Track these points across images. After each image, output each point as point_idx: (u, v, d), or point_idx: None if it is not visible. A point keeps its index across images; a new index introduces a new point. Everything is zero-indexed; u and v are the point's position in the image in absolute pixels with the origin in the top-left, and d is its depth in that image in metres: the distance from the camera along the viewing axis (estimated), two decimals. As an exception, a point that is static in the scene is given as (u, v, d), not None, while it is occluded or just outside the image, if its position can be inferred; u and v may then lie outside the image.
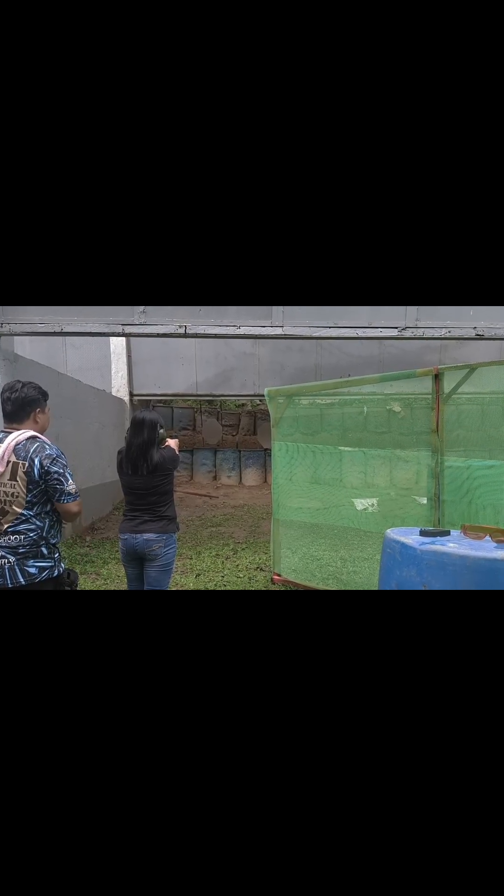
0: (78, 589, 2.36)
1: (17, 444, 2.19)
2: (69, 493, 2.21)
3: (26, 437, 2.22)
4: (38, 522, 2.21)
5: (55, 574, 2.25)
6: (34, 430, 2.27)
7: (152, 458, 2.91)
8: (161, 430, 2.99)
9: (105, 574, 4.94)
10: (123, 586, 4.24)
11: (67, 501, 2.22)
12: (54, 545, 2.28)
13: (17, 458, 2.18)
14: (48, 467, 2.18)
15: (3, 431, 2.27)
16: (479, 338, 4.50)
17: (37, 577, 2.19)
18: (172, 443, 3.14)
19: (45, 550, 2.22)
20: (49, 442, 2.27)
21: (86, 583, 4.64)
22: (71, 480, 2.24)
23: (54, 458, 2.20)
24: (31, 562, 2.19)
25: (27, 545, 2.19)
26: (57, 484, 2.19)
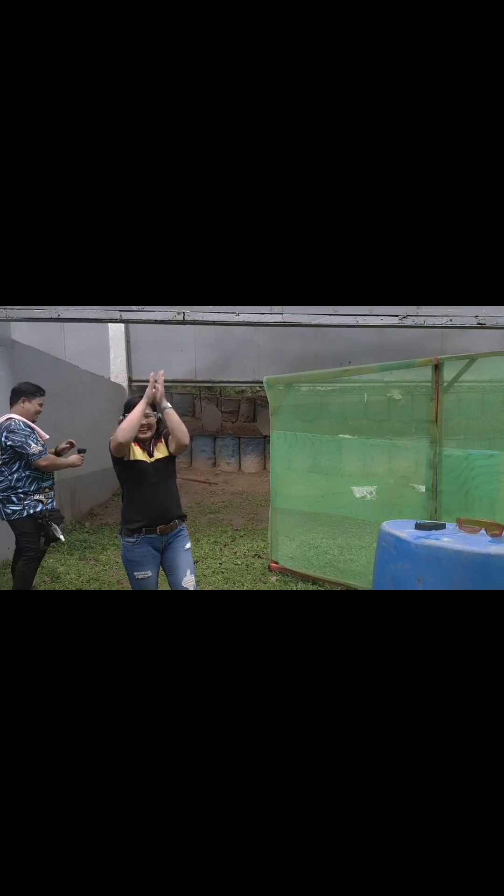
0: (62, 528, 3.24)
1: None
2: (33, 454, 3.13)
3: (4, 417, 3.21)
4: (3, 480, 3.18)
5: (30, 512, 3.17)
6: (19, 414, 3.22)
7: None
8: (157, 413, 2.94)
9: (104, 560, 4.96)
10: (121, 570, 4.25)
11: (34, 460, 3.14)
12: (24, 493, 3.17)
13: None
14: (8, 439, 3.12)
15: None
16: (481, 326, 4.47)
17: (13, 516, 3.18)
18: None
19: (14, 499, 3.17)
20: (18, 419, 3.17)
21: (84, 569, 4.66)
22: (33, 444, 3.12)
23: (11, 431, 3.11)
24: (7, 505, 3.19)
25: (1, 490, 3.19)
26: (21, 450, 3.12)
